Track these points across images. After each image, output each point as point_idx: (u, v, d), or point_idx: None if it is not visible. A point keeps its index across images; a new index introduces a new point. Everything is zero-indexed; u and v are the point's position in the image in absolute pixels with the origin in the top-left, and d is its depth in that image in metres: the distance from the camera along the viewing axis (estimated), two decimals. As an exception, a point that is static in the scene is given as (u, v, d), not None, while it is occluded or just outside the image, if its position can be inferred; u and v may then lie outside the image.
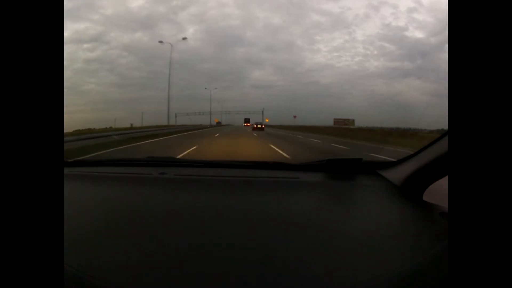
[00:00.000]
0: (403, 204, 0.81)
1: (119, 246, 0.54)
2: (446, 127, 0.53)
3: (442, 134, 0.74)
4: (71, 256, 0.47)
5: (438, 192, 0.80)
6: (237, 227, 0.64)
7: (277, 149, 7.29)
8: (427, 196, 0.84)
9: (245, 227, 0.64)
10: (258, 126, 21.50)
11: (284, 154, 6.34)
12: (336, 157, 1.13)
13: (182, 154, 6.03)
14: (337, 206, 0.83)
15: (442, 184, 0.70)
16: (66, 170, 1.15)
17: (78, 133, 12.04)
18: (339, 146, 8.97)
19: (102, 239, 0.58)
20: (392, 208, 0.79)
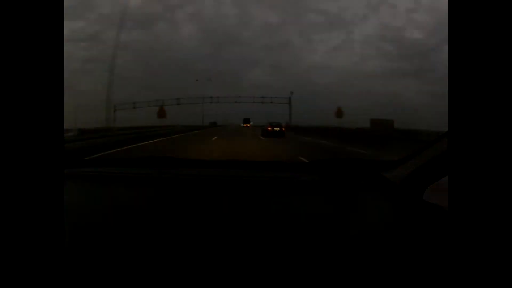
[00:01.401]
0: (403, 204, 0.81)
1: (119, 246, 0.54)
2: (445, 127, 0.53)
3: (442, 134, 0.75)
4: (71, 256, 0.46)
5: (438, 192, 0.81)
6: (237, 227, 0.64)
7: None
8: (427, 196, 0.84)
9: (245, 227, 0.64)
10: (275, 129, 14.76)
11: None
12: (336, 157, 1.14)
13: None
14: (337, 206, 0.83)
15: (442, 184, 0.70)
16: (66, 170, 1.14)
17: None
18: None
19: (102, 239, 0.58)
20: (392, 208, 0.80)
